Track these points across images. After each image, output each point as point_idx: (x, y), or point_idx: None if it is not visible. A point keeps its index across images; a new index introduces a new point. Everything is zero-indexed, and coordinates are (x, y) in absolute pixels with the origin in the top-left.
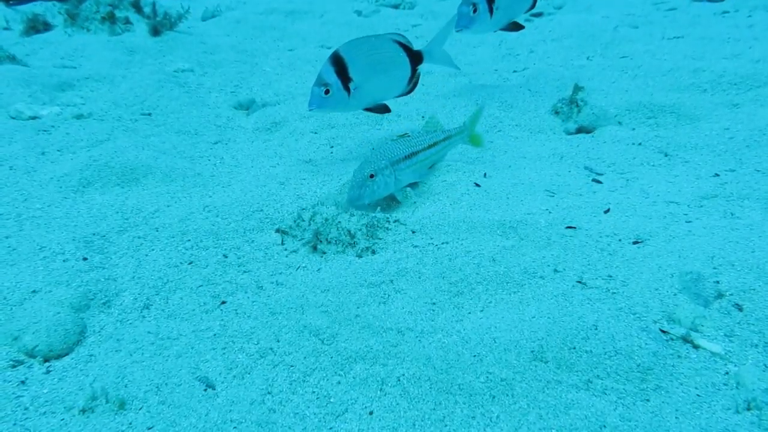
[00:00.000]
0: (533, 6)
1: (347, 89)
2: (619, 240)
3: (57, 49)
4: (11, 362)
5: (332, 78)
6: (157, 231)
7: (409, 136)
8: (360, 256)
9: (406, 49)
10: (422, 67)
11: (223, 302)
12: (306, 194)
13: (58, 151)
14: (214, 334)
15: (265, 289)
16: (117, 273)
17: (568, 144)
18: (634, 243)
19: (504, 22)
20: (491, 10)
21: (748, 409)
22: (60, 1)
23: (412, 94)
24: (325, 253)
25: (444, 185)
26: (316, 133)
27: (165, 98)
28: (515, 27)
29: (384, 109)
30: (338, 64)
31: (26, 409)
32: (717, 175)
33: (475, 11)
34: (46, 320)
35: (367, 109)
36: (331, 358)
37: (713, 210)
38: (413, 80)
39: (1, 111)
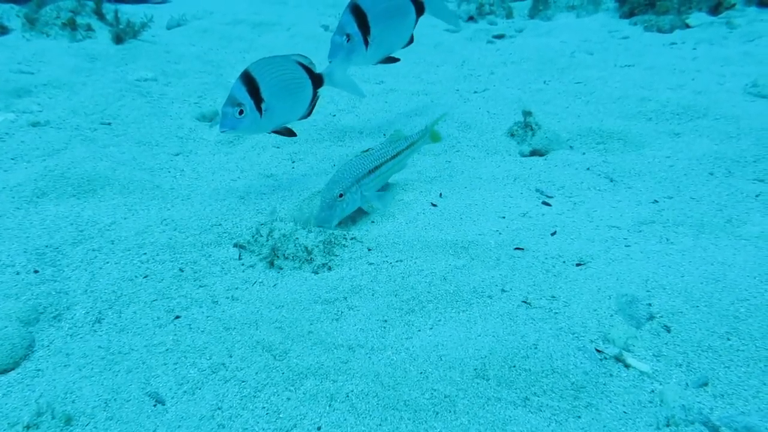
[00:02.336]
0: (410, 42)
1: (259, 110)
2: (564, 262)
3: (14, 54)
4: None
5: (245, 98)
6: (113, 244)
7: (372, 150)
8: (316, 273)
9: (308, 71)
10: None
11: (178, 317)
12: (265, 209)
13: (12, 159)
14: (167, 349)
15: (220, 304)
16: (69, 286)
17: (521, 166)
18: (577, 265)
19: (381, 55)
20: (366, 42)
21: (668, 425)
22: (18, 4)
23: (311, 115)
24: (281, 268)
25: (401, 204)
26: (278, 147)
27: (126, 107)
28: (391, 60)
29: (290, 133)
30: (250, 83)
31: None
32: (656, 201)
33: (348, 41)
34: None
35: (275, 132)
36: (283, 373)
37: (650, 235)
38: (312, 103)
39: None
